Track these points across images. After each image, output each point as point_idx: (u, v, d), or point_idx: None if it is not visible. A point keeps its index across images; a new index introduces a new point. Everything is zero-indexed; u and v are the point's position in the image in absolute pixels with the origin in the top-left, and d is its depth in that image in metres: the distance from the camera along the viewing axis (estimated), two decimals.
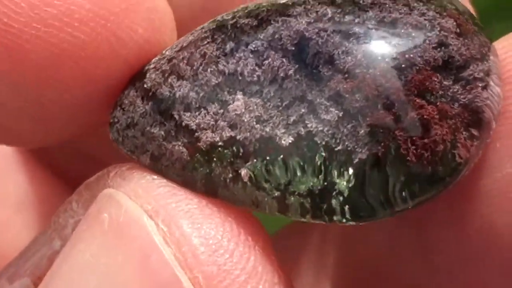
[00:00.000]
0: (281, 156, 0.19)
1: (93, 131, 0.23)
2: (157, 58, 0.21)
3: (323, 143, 0.19)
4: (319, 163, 0.19)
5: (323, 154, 0.19)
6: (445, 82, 0.19)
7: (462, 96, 0.20)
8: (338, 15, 0.20)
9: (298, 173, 0.19)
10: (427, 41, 0.20)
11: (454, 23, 0.20)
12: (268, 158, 0.19)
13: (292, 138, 0.19)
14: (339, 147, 0.19)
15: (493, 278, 0.22)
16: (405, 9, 0.20)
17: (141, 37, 0.20)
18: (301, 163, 0.19)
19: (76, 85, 0.20)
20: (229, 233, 0.19)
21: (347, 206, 0.19)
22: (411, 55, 0.19)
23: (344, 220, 0.19)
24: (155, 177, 0.20)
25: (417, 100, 0.19)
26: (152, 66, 0.21)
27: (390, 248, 0.24)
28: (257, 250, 0.19)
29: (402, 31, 0.20)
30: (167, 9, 0.21)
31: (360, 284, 0.25)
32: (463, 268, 0.22)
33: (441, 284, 0.23)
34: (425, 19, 0.20)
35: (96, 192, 0.20)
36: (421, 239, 0.23)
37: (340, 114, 0.19)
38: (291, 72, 0.20)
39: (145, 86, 0.21)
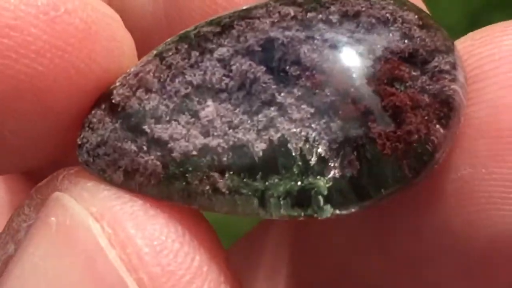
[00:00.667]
0: (256, 163, 0.19)
1: (59, 157, 0.23)
2: (122, 76, 0.21)
3: (296, 145, 0.19)
4: (294, 165, 0.19)
5: (297, 155, 0.19)
6: (413, 73, 0.19)
7: (430, 87, 0.19)
8: (300, 14, 0.20)
9: (275, 180, 0.19)
10: (392, 33, 0.20)
11: (416, 16, 0.20)
12: (243, 169, 0.19)
13: (264, 145, 0.19)
14: (313, 148, 0.19)
15: (450, 276, 0.22)
16: (366, 3, 0.20)
17: (100, 67, 0.20)
18: (277, 169, 0.19)
19: (36, 117, 0.20)
20: (173, 233, 0.19)
21: (328, 205, 0.19)
22: (378, 46, 0.20)
23: (326, 214, 0.19)
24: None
25: (388, 88, 0.19)
26: (118, 84, 0.21)
27: (351, 249, 0.24)
28: (202, 250, 0.20)
29: (366, 23, 0.20)
30: (126, 37, 0.21)
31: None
32: (422, 266, 0.22)
33: (403, 283, 0.23)
34: (386, 13, 0.20)
35: (46, 195, 0.20)
36: (382, 239, 0.23)
37: (312, 111, 0.19)
38: (259, 74, 0.20)
39: (113, 101, 0.21)
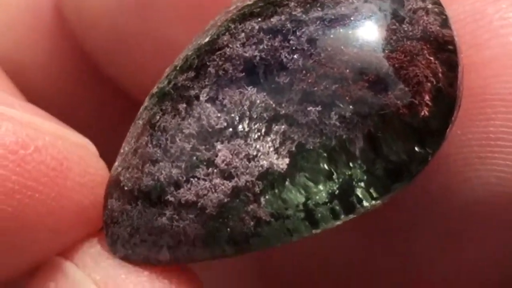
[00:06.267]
0: (287, 180, 0.19)
1: None
2: (120, 160, 0.20)
3: (317, 145, 0.19)
4: (324, 167, 0.19)
5: (324, 155, 0.19)
6: (392, 27, 0.19)
7: (414, 32, 0.19)
8: (264, 23, 0.19)
9: (311, 186, 0.19)
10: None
11: None
12: (276, 190, 0.19)
13: (287, 159, 0.19)
14: (334, 141, 0.19)
15: (430, 246, 0.22)
16: None
17: (73, 202, 0.20)
18: (308, 176, 0.19)
19: (8, 256, 0.20)
20: None
21: (372, 189, 0.19)
22: (343, 21, 0.19)
23: (373, 202, 0.19)
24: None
25: (388, 54, 0.19)
26: (120, 168, 0.20)
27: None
28: None
29: (331, 4, 0.19)
30: (99, 166, 0.21)
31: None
32: (400, 238, 0.22)
33: (379, 258, 0.23)
34: None
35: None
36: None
37: (319, 109, 0.19)
38: (253, 98, 0.19)
39: (125, 188, 0.20)
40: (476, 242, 0.21)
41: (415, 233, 0.22)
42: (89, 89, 0.27)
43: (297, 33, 0.19)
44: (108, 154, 0.21)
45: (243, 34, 0.20)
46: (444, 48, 0.19)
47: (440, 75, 0.19)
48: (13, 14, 0.26)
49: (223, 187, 0.19)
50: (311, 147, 0.19)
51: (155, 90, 0.20)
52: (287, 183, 0.19)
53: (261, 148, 0.19)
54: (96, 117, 0.28)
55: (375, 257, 0.23)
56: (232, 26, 0.20)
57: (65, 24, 0.26)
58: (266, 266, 0.26)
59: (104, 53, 0.25)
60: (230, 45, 0.20)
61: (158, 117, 0.20)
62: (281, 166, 0.19)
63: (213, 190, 0.19)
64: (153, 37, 0.24)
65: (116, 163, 0.21)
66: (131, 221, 0.20)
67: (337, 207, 0.19)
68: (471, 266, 0.22)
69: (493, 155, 0.20)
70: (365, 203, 0.19)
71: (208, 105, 0.19)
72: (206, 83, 0.19)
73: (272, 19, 0.19)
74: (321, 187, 0.19)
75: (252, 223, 0.19)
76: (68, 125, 0.21)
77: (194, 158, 0.19)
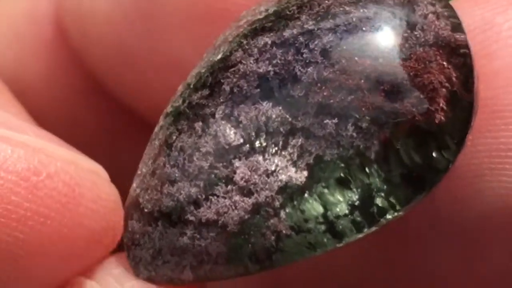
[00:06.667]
0: (306, 192, 0.19)
1: None
2: (137, 182, 0.20)
3: (335, 157, 0.18)
4: (342, 177, 0.19)
5: (341, 166, 0.18)
6: (404, 34, 0.19)
7: (426, 38, 0.19)
8: (275, 37, 0.19)
9: (331, 198, 0.19)
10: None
11: None
12: (295, 202, 0.19)
13: (305, 172, 0.19)
14: (351, 151, 0.18)
15: (443, 261, 0.22)
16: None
17: (84, 228, 0.20)
18: (326, 186, 0.19)
19: (20, 283, 0.20)
20: None
21: (392, 198, 0.19)
22: (355, 31, 0.19)
23: (396, 214, 0.19)
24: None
25: (402, 62, 0.19)
26: (138, 190, 0.20)
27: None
28: None
29: (341, 15, 0.19)
30: (112, 192, 0.21)
31: None
32: (412, 252, 0.22)
33: (395, 273, 0.23)
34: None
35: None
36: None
37: (335, 121, 0.19)
38: (269, 113, 0.19)
39: (145, 210, 0.20)
40: (488, 253, 0.21)
41: (428, 245, 0.21)
42: (91, 105, 0.27)
43: (310, 45, 0.19)
44: (110, 170, 0.21)
45: (256, 50, 0.20)
46: (457, 53, 0.19)
47: (454, 79, 0.19)
48: (12, 29, 0.26)
49: (243, 203, 0.19)
50: (329, 159, 0.19)
51: (169, 109, 0.20)
52: (306, 195, 0.19)
53: (279, 162, 0.19)
54: (98, 132, 0.27)
55: (389, 268, 0.23)
56: (245, 42, 0.20)
57: (66, 39, 0.26)
58: (278, 278, 0.26)
59: (107, 68, 0.25)
60: (244, 62, 0.20)
61: (174, 137, 0.20)
62: (299, 179, 0.19)
63: (233, 208, 0.19)
64: (158, 51, 0.24)
65: (134, 185, 0.21)
66: (153, 242, 0.20)
67: (359, 219, 0.19)
68: (484, 277, 0.22)
69: (504, 166, 0.19)
70: (387, 215, 0.19)
71: (224, 122, 0.19)
72: (221, 100, 0.19)
73: (284, 33, 0.19)
74: (340, 197, 0.19)
75: (273, 237, 0.19)
76: (71, 141, 0.21)
77: (213, 176, 0.19)
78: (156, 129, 0.21)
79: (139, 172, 0.21)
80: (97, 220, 0.20)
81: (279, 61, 0.19)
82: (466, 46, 0.19)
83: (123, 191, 0.21)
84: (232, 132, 0.19)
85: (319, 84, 0.19)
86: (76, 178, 0.20)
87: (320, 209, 0.19)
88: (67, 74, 0.27)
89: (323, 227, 0.19)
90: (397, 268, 0.23)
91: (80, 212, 0.19)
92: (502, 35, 0.20)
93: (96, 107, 0.27)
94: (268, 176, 0.19)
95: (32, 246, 0.19)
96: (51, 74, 0.26)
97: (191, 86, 0.20)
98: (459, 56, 0.19)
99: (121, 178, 0.22)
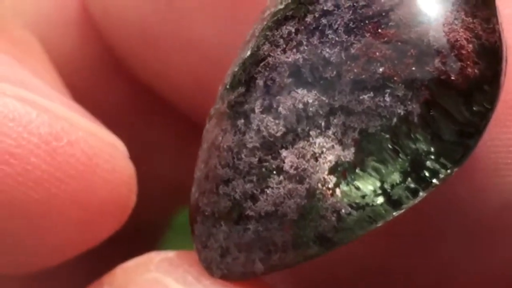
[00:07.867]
0: (358, 169, 0.19)
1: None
2: (194, 186, 0.21)
3: (379, 128, 0.19)
4: (390, 147, 0.19)
5: (387, 137, 0.19)
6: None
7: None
8: (298, 24, 0.20)
9: (382, 168, 0.19)
10: None
11: None
12: (349, 179, 0.19)
13: (352, 148, 0.19)
14: (394, 120, 0.19)
15: (461, 253, 0.22)
16: None
17: (99, 199, 0.20)
18: (376, 159, 0.19)
19: (33, 242, 0.20)
20: None
21: (441, 158, 0.19)
22: (374, 5, 0.19)
23: (448, 171, 0.19)
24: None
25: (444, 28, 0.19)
26: (196, 195, 0.20)
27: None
28: None
29: None
30: (127, 167, 0.21)
31: None
32: (430, 245, 0.22)
33: (412, 265, 0.23)
34: None
35: (134, 276, 0.20)
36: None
37: (371, 94, 0.19)
38: (305, 99, 0.19)
39: (206, 213, 0.20)
40: (505, 247, 0.21)
41: (445, 237, 0.22)
42: (113, 84, 0.27)
43: (334, 26, 0.19)
44: (129, 147, 0.22)
45: (281, 40, 0.20)
46: (481, 8, 0.19)
47: (480, 32, 0.19)
48: (38, 8, 0.27)
49: (297, 191, 0.19)
50: (373, 131, 0.19)
51: (212, 112, 0.21)
52: (357, 170, 0.19)
53: (325, 143, 0.19)
54: (119, 111, 0.28)
55: (405, 260, 0.23)
56: (270, 34, 0.20)
57: (89, 19, 0.26)
58: (298, 275, 0.26)
59: (129, 47, 0.25)
60: (272, 54, 0.20)
61: (220, 138, 0.20)
62: (348, 156, 0.19)
63: (289, 196, 0.19)
64: (180, 32, 0.24)
65: (193, 189, 0.21)
66: (219, 243, 0.20)
67: (412, 185, 0.19)
68: (499, 269, 0.22)
69: None
70: (440, 174, 0.19)
71: (264, 115, 0.19)
72: (258, 95, 0.20)
73: (306, 19, 0.20)
74: (391, 168, 0.19)
75: (333, 218, 0.19)
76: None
77: (263, 169, 0.19)
78: (204, 132, 0.21)
79: (195, 176, 0.21)
80: (110, 192, 0.20)
81: (305, 47, 0.19)
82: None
83: (143, 169, 0.22)
84: (273, 124, 0.19)
85: (348, 62, 0.19)
86: (95, 148, 0.20)
87: (375, 182, 0.19)
88: (90, 53, 0.27)
89: (380, 199, 0.19)
90: (412, 257, 0.23)
91: (94, 181, 0.20)
92: None
93: (117, 86, 0.27)
94: (316, 159, 0.19)
95: (45, 207, 0.19)
96: (74, 53, 0.26)
97: (228, 86, 0.20)
98: (483, 10, 0.19)
99: (140, 157, 0.22)
